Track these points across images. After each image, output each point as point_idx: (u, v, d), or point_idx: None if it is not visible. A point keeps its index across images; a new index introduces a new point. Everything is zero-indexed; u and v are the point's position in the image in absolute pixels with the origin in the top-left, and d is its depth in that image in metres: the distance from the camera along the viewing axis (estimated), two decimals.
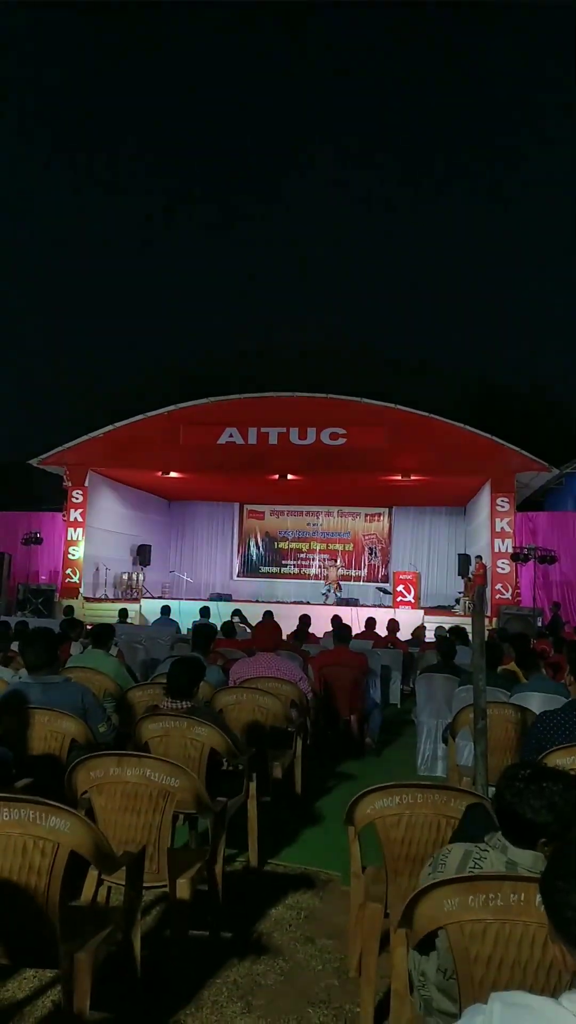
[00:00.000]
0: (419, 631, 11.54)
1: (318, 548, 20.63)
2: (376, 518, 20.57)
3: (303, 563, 20.74)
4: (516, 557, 14.36)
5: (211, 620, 10.09)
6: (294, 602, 16.68)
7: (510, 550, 14.60)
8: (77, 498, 16.23)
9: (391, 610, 14.52)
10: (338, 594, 16.66)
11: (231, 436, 15.45)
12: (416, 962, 1.81)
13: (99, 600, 15.99)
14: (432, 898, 1.68)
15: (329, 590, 16.60)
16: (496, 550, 14.77)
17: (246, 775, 3.72)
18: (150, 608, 14.82)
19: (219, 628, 7.53)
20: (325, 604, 15.50)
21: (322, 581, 17.87)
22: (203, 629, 5.32)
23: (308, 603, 16.18)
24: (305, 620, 9.22)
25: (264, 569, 20.87)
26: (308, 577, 20.44)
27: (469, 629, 6.90)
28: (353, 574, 19.55)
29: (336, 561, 19.29)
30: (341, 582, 17.85)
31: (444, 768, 5.51)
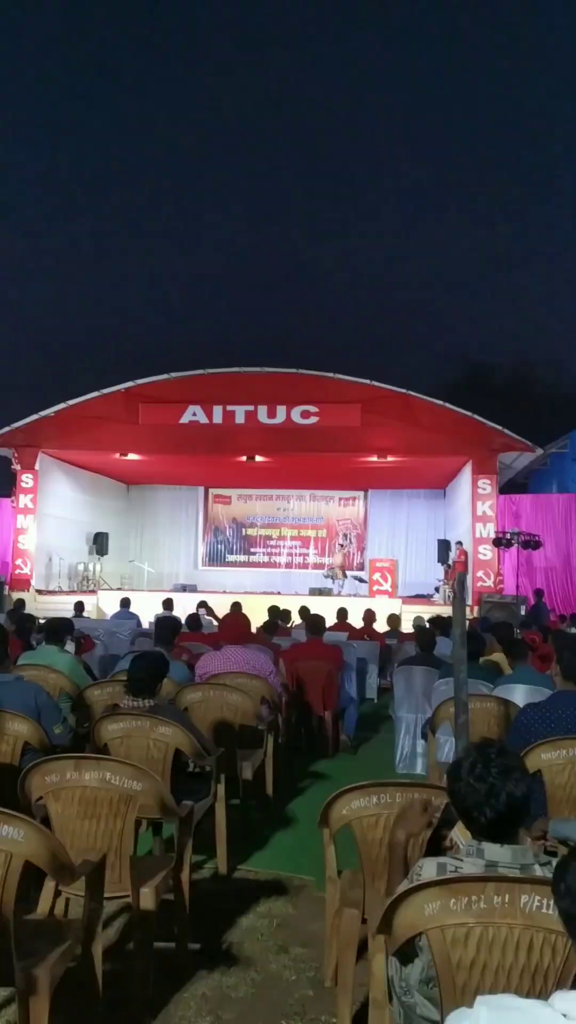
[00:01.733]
0: (396, 621, 11.61)
1: (289, 535, 20.67)
2: (351, 502, 20.68)
3: (273, 551, 20.77)
4: (498, 542, 14.51)
5: (174, 613, 10.06)
6: (264, 592, 16.71)
7: (492, 535, 14.76)
8: (27, 482, 16.02)
9: (367, 599, 14.59)
10: (342, 582, 16.54)
11: (194, 415, 15.33)
12: (396, 969, 1.84)
13: (52, 592, 15.90)
14: (412, 902, 1.70)
15: (332, 577, 16.56)
16: (477, 535, 14.93)
17: (214, 777, 3.73)
18: (108, 601, 14.74)
19: (183, 621, 7.53)
20: (342, 595, 15.43)
21: (326, 569, 17.86)
22: (166, 622, 5.31)
23: (279, 593, 16.23)
24: (274, 611, 9.22)
25: (231, 558, 20.88)
26: (278, 566, 20.49)
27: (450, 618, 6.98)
28: (326, 562, 19.65)
29: (342, 543, 19.23)
30: (312, 571, 17.91)
31: (424, 766, 5.54)
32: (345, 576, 17.16)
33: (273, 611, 9.24)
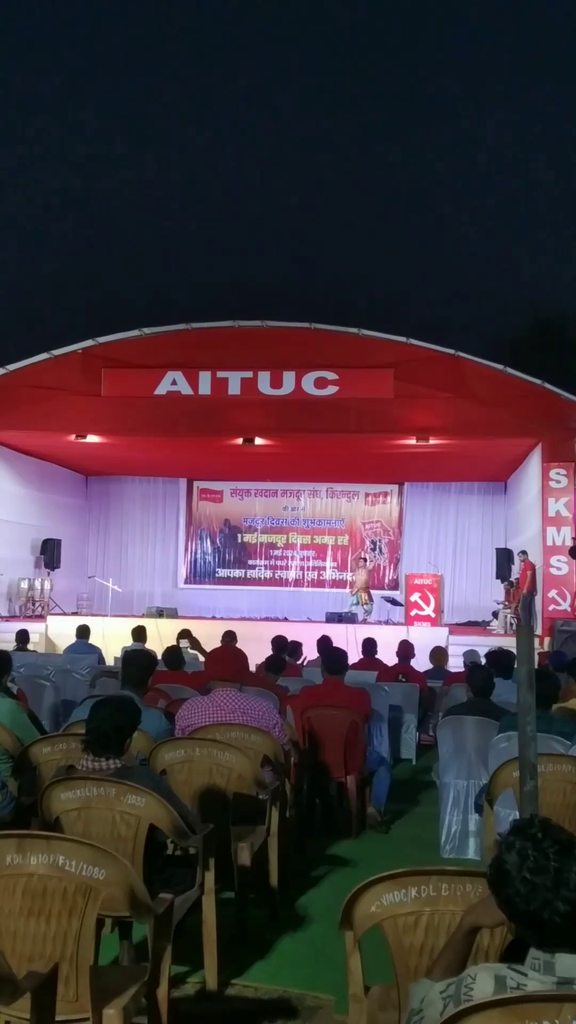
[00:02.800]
0: (442, 657, 11.60)
1: (300, 542, 20.68)
2: (381, 499, 20.68)
3: (279, 563, 20.79)
4: None
5: (148, 646, 10.03)
6: (266, 619, 16.68)
7: (568, 542, 14.72)
8: None
9: (402, 628, 14.56)
10: (369, 607, 16.57)
11: (174, 384, 15.32)
12: None
13: None
14: None
15: (357, 602, 16.56)
16: (549, 543, 14.87)
17: (200, 862, 3.71)
18: (61, 629, 14.76)
19: (159, 656, 7.52)
20: (365, 622, 15.46)
21: (347, 591, 17.86)
22: (137, 658, 5.31)
23: (286, 620, 16.20)
24: (281, 644, 9.25)
25: (223, 573, 20.91)
26: (285, 583, 20.50)
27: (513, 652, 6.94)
28: (348, 578, 19.64)
29: (366, 557, 19.28)
30: (331, 589, 17.88)
31: (478, 848, 5.56)
32: (371, 600, 17.16)
33: (279, 643, 9.28)
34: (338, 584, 19.64)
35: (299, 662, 10.18)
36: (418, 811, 6.98)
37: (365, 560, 19.14)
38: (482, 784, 5.11)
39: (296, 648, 10.25)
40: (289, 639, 10.07)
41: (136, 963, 3.46)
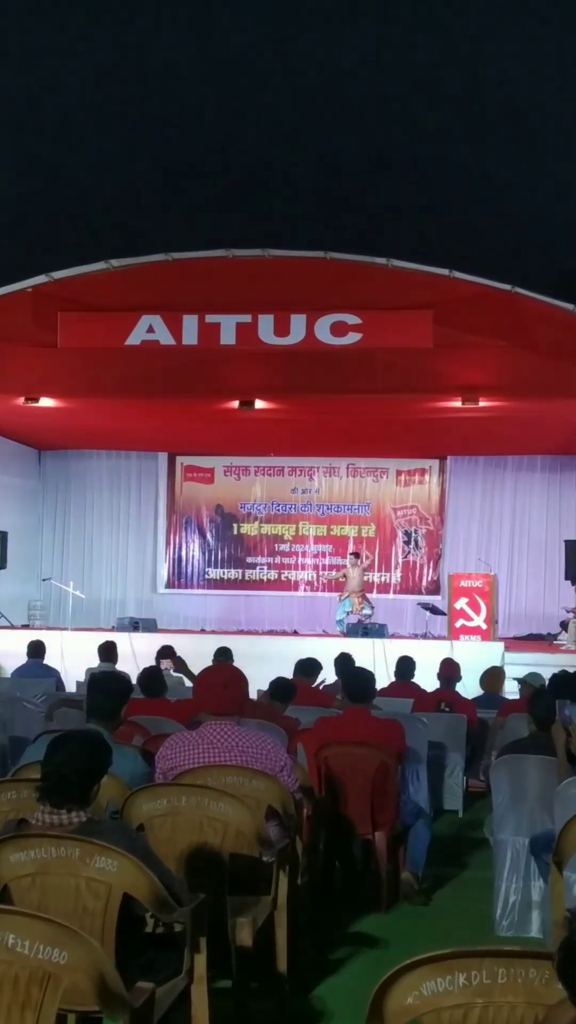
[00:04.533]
0: (496, 680, 11.60)
1: (313, 534, 20.66)
2: (417, 478, 20.64)
3: (286, 561, 20.78)
4: None
5: (119, 667, 10.06)
6: (270, 632, 16.70)
7: None
8: None
9: (445, 643, 14.55)
10: (364, 613, 16.62)
11: (151, 331, 15.20)
12: None
13: None
14: None
15: (349, 611, 16.59)
16: None
17: (188, 942, 3.72)
18: (8, 646, 14.77)
19: (134, 680, 7.54)
20: (346, 635, 15.51)
21: (337, 595, 17.93)
22: (106, 683, 5.35)
23: (296, 633, 16.19)
24: (307, 669, 9.29)
25: (214, 573, 20.90)
26: (294, 587, 20.51)
27: None
28: (377, 580, 19.61)
29: (359, 556, 19.31)
30: (367, 594, 17.89)
31: (543, 923, 5.59)
32: (366, 602, 17.17)
33: (305, 664, 9.31)
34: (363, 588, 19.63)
35: (315, 685, 10.17)
36: (466, 876, 6.96)
37: (358, 556, 19.10)
38: (548, 841, 5.11)
39: (310, 669, 10.24)
40: (302, 658, 10.11)
41: None
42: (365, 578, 19.08)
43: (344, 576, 18.62)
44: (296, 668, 9.54)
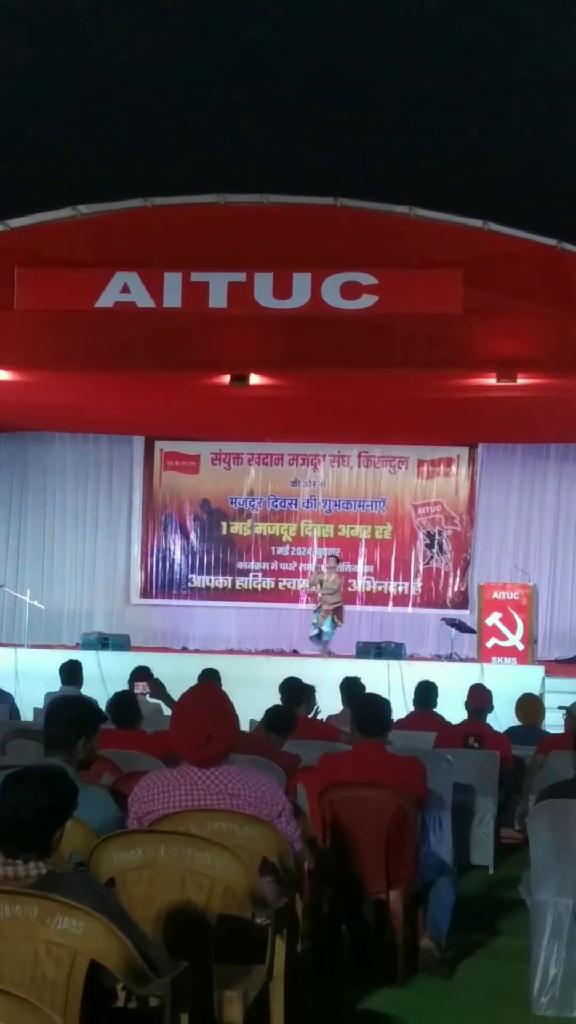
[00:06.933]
0: (534, 710, 11.62)
1: (317, 534, 20.67)
2: (443, 468, 20.64)
3: (284, 567, 20.80)
4: None
5: (86, 691, 10.07)
6: (265, 651, 16.72)
7: None
8: None
9: (475, 666, 14.59)
10: (325, 629, 16.59)
11: (126, 290, 15.20)
12: None
13: None
14: None
15: (331, 624, 16.63)
16: None
17: (167, 1019, 3.72)
18: None
19: (104, 707, 7.55)
20: (329, 653, 15.56)
21: (312, 604, 17.99)
22: (69, 710, 5.34)
23: (296, 653, 16.22)
24: (292, 689, 9.26)
25: (198, 580, 20.94)
26: (295, 598, 20.49)
27: None
28: (394, 590, 19.66)
29: (335, 558, 19.26)
30: (365, 608, 17.91)
31: None
32: (333, 622, 17.07)
33: (289, 689, 9.26)
34: (375, 599, 19.66)
35: (311, 715, 10.17)
36: (497, 944, 7.02)
37: (336, 560, 19.07)
38: None
39: (310, 695, 10.24)
40: (302, 683, 10.09)
41: None
42: (366, 588, 19.23)
43: (320, 584, 18.56)
44: (282, 695, 9.47)
